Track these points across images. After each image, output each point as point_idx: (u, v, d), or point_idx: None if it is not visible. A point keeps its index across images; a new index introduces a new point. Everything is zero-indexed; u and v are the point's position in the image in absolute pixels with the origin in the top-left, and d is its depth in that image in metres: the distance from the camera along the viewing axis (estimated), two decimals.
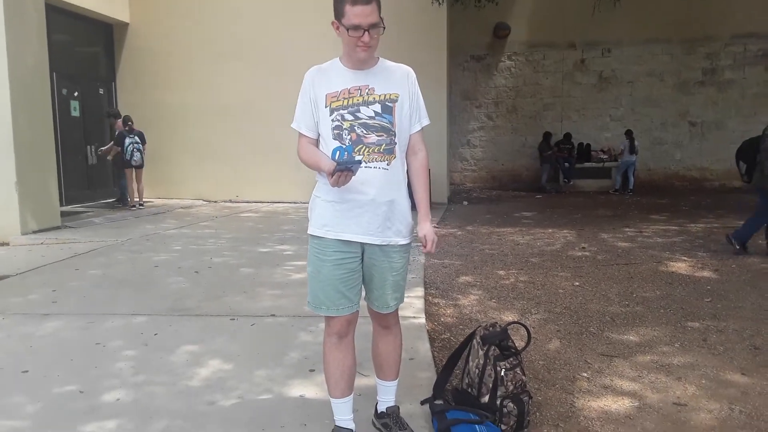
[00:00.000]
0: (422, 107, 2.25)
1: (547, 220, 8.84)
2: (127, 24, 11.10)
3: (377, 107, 2.13)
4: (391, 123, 2.14)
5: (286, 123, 9.74)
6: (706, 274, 5.28)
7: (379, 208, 2.13)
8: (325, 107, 2.13)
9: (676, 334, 3.77)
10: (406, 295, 2.41)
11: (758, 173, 5.84)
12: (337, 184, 1.99)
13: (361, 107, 2.11)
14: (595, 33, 13.23)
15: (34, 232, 7.28)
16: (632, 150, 12.64)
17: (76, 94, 10.25)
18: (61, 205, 8.40)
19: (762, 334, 3.71)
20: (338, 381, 2.26)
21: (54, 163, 7.91)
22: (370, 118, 2.12)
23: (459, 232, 7.69)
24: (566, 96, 13.71)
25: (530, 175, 13.87)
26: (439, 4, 9.77)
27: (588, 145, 13.57)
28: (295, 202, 10.76)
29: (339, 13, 2.06)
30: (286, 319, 3.88)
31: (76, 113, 10.25)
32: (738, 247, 5.96)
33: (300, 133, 2.22)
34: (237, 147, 11.01)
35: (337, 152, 2.10)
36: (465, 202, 11.31)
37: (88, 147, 10.53)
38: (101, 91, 10.98)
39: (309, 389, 2.82)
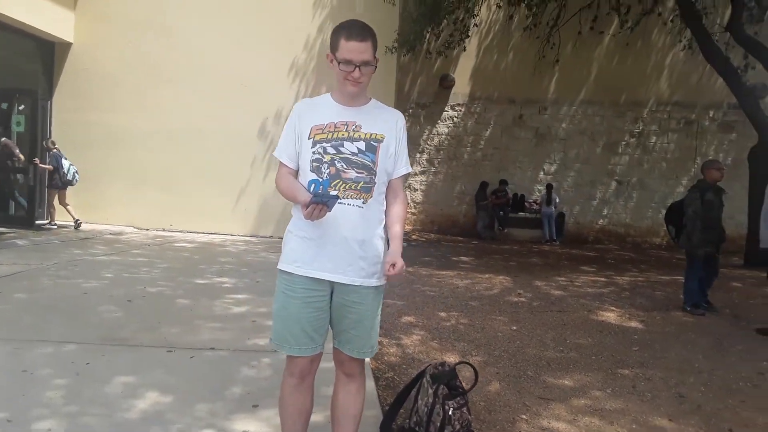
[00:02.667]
0: (406, 154, 2.23)
1: (483, 265, 9.07)
2: (70, 44, 10.80)
3: (361, 144, 2.10)
4: (374, 162, 2.10)
5: (226, 153, 9.77)
6: (633, 324, 5.55)
7: (351, 246, 2.07)
8: (309, 138, 2.11)
9: (608, 380, 3.93)
10: None
11: (684, 236, 6.19)
12: (311, 217, 1.96)
13: (345, 142, 2.09)
14: (533, 91, 13.96)
15: None
16: (549, 202, 13.36)
17: (22, 107, 9.85)
18: None
19: (686, 384, 3.92)
20: (295, 421, 2.21)
21: None
22: (353, 154, 2.09)
23: None
24: (504, 148, 14.29)
25: (467, 221, 14.24)
26: (392, 52, 10.08)
27: (522, 195, 14.14)
28: (232, 235, 10.57)
29: (333, 46, 2.08)
30: (227, 353, 3.78)
31: (20, 128, 9.83)
32: (697, 309, 6.05)
33: (281, 163, 2.19)
34: (173, 174, 10.74)
35: (313, 185, 2.08)
36: (404, 244, 11.42)
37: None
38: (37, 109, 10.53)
39: (253, 425, 2.76)
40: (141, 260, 7.28)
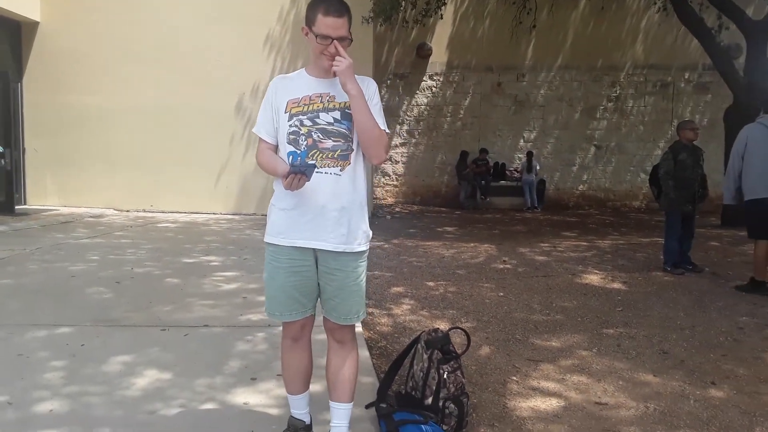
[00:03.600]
0: (381, 115, 2.25)
1: (468, 235, 9.17)
2: (37, 23, 10.49)
3: (336, 114, 2.16)
4: (349, 129, 2.16)
5: (203, 131, 9.68)
6: (616, 285, 5.69)
7: (329, 214, 2.14)
8: (285, 113, 2.17)
9: (593, 340, 4.05)
10: None
11: (663, 196, 6.34)
12: (290, 187, 2.03)
13: (320, 113, 2.15)
14: (510, 58, 13.95)
15: None
16: (530, 170, 13.47)
17: None
18: None
19: (669, 340, 4.06)
20: (293, 379, 2.34)
21: None
22: (329, 124, 2.15)
23: (386, 245, 7.83)
24: (484, 117, 14.32)
25: (449, 191, 14.32)
26: (368, 22, 9.97)
27: (503, 164, 14.23)
28: (214, 213, 10.52)
29: (310, 20, 2.12)
30: (221, 329, 3.82)
31: None
32: (677, 268, 6.19)
33: (260, 139, 2.25)
34: (152, 154, 10.59)
35: (290, 157, 2.14)
36: (388, 217, 11.50)
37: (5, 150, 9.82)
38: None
39: (253, 397, 2.81)
40: (125, 242, 7.24)
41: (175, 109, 10.50)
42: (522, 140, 14.47)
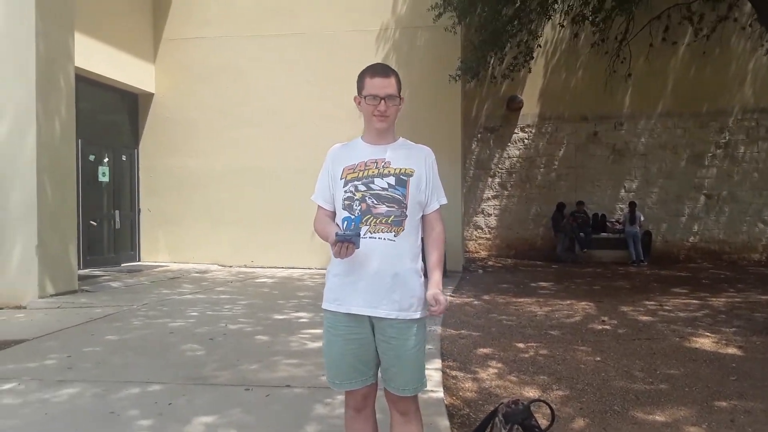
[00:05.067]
0: (440, 187, 2.28)
1: (564, 291, 8.75)
2: (152, 94, 11.55)
3: (391, 180, 2.16)
4: (404, 195, 2.16)
5: (300, 190, 10.03)
6: (730, 351, 5.15)
7: (383, 280, 2.11)
8: (341, 179, 2.19)
9: (703, 413, 3.65)
10: None
11: None
12: (339, 255, 2.03)
13: (375, 179, 2.16)
14: (606, 107, 13.50)
15: (51, 295, 7.32)
16: (633, 221, 12.69)
17: (106, 160, 10.58)
18: (80, 268, 8.47)
19: None
20: None
21: (74, 228, 8.06)
22: (383, 189, 2.15)
23: (475, 302, 7.62)
24: (580, 167, 13.85)
25: (545, 244, 13.83)
26: (456, 80, 10.09)
27: (603, 215, 13.59)
28: (309, 268, 10.78)
29: (360, 88, 2.21)
30: (302, 390, 3.81)
31: (105, 179, 10.55)
32: None
33: (318, 206, 2.30)
34: (253, 212, 11.17)
35: (345, 222, 2.15)
36: (480, 271, 11.25)
37: (116, 211, 10.76)
38: (124, 158, 11.30)
39: None
40: (224, 297, 7.55)
41: (273, 170, 11.07)
42: (623, 190, 13.80)
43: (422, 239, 2.29)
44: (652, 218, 13.54)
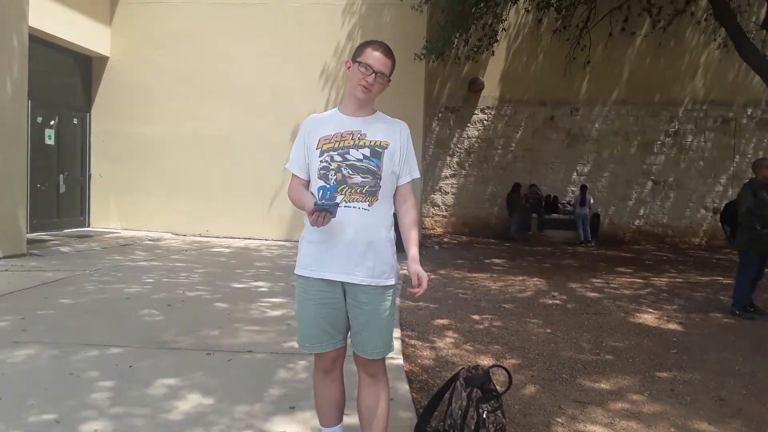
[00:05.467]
0: (413, 161, 2.35)
1: (517, 267, 9.02)
2: (107, 57, 11.13)
3: (366, 151, 2.21)
4: (378, 167, 2.21)
5: (258, 160, 10.05)
6: (671, 326, 5.46)
7: (357, 248, 2.17)
8: (317, 149, 2.23)
9: (645, 383, 3.88)
10: None
11: (740, 235, 6.00)
12: (315, 224, 2.07)
13: (351, 150, 2.21)
14: (564, 93, 13.81)
15: None
16: (583, 203, 13.16)
17: (52, 123, 10.16)
18: (27, 232, 8.20)
19: (726, 386, 3.85)
20: (326, 411, 2.37)
21: (24, 191, 7.78)
22: (358, 160, 2.20)
23: (432, 276, 7.78)
24: (536, 150, 14.17)
25: (499, 223, 14.15)
26: (420, 59, 10.11)
27: (555, 197, 13.99)
28: (266, 239, 10.74)
29: (357, 54, 2.24)
30: (264, 356, 3.86)
31: (50, 141, 10.14)
32: (746, 312, 5.88)
33: (292, 174, 2.33)
34: (209, 182, 10.99)
35: (320, 191, 2.18)
36: (436, 247, 11.45)
37: (60, 175, 10.38)
38: (75, 121, 10.90)
39: (291, 426, 2.81)
40: (180, 265, 7.47)
41: (231, 139, 10.90)
42: (575, 174, 14.21)
43: (395, 212, 2.36)
44: (602, 201, 14.03)
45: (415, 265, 2.21)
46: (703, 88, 13.73)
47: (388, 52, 2.24)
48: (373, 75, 2.19)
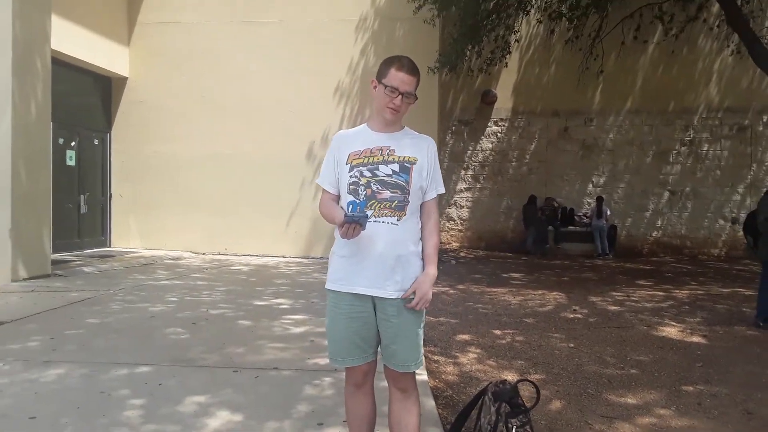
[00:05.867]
0: (439, 176, 2.40)
1: (535, 281, 8.99)
2: (126, 78, 11.35)
3: (395, 167, 2.26)
4: (407, 182, 2.25)
5: (276, 178, 10.14)
6: (695, 339, 5.41)
7: (386, 262, 2.22)
8: (346, 164, 2.28)
9: (672, 397, 3.86)
10: None
11: (762, 245, 5.93)
12: (345, 236, 2.11)
13: (380, 166, 2.25)
14: (577, 103, 13.82)
15: (24, 279, 7.23)
16: (600, 215, 13.09)
17: (73, 144, 10.35)
18: (51, 253, 8.33)
19: (753, 399, 3.82)
20: (357, 425, 2.40)
21: (49, 212, 7.93)
22: (388, 176, 2.25)
23: (451, 291, 7.79)
24: (550, 161, 14.15)
25: (515, 236, 14.11)
26: (434, 72, 10.20)
27: (571, 209, 13.93)
28: (284, 257, 10.81)
29: (382, 74, 2.26)
30: (290, 373, 3.89)
31: (71, 162, 10.33)
32: None
33: (323, 189, 2.38)
34: (228, 200, 11.11)
35: (350, 206, 2.23)
36: (453, 261, 11.45)
37: (81, 196, 10.55)
38: (96, 142, 11.10)
39: None
40: (201, 284, 7.54)
41: (248, 157, 11.03)
42: (591, 185, 14.16)
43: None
44: (618, 213, 13.94)
45: (422, 283, 2.26)
46: (717, 95, 13.66)
47: (412, 69, 2.25)
48: (400, 97, 2.23)
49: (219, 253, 11.05)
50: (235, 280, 8.05)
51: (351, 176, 2.26)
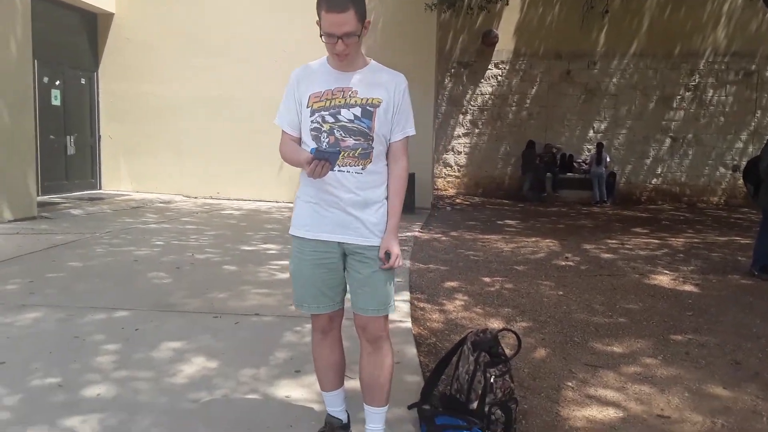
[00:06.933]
0: (409, 117, 2.18)
1: (530, 228, 8.90)
2: (112, 14, 10.92)
3: (357, 111, 2.08)
4: (369, 128, 2.07)
5: (268, 121, 9.77)
6: (687, 288, 5.34)
7: (351, 209, 2.10)
8: (307, 107, 2.10)
9: (659, 346, 3.80)
10: None
11: (762, 193, 5.76)
12: (313, 174, 1.96)
13: (341, 109, 2.07)
14: (581, 45, 13.39)
15: (9, 221, 7.12)
16: (599, 162, 12.89)
17: (57, 83, 10.04)
18: (38, 195, 8.20)
19: (743, 350, 3.76)
20: (325, 374, 2.33)
21: (33, 153, 7.75)
22: (350, 121, 2.07)
23: (443, 238, 7.70)
24: (551, 106, 13.84)
25: (513, 183, 13.97)
26: (432, 9, 9.79)
27: (570, 156, 13.72)
28: (277, 201, 10.68)
29: (318, 16, 2.01)
30: (271, 319, 3.83)
31: (57, 102, 10.05)
32: (766, 273, 5.69)
33: (283, 131, 2.21)
34: (219, 143, 10.87)
35: (313, 152, 2.06)
36: (448, 208, 11.34)
37: (68, 137, 10.32)
38: (83, 81, 10.78)
39: (295, 390, 2.78)
40: (190, 227, 7.45)
41: (240, 99, 10.70)
42: (592, 131, 13.90)
43: None
44: (618, 160, 13.75)
45: (389, 240, 2.11)
46: (725, 39, 13.22)
47: (341, 4, 1.91)
48: (340, 41, 1.97)
49: (211, 198, 10.92)
50: (224, 224, 7.95)
51: (312, 121, 2.09)
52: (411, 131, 2.19)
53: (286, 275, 5.01)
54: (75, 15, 10.44)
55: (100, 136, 11.16)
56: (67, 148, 10.30)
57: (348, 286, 2.21)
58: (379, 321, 2.18)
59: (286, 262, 5.47)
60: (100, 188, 11.16)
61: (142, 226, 7.42)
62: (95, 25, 10.97)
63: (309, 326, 3.61)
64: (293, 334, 3.53)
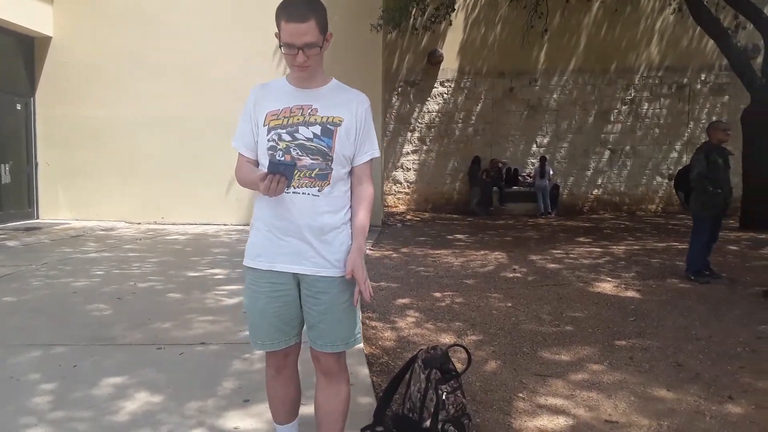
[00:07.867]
0: (373, 139, 2.10)
1: (479, 242, 9.02)
2: (50, 38, 10.57)
3: (317, 129, 1.98)
4: (329, 147, 1.97)
5: (214, 143, 9.62)
6: (629, 294, 5.51)
7: (307, 237, 1.98)
8: (264, 125, 2.00)
9: (605, 352, 3.89)
10: None
11: (693, 200, 6.05)
12: (268, 191, 1.85)
13: (300, 127, 1.97)
14: (523, 63, 13.80)
15: None
16: (543, 175, 13.28)
17: None
18: None
19: (683, 352, 3.89)
20: (278, 409, 2.25)
21: None
22: (308, 139, 1.97)
23: (394, 255, 7.71)
24: (495, 122, 14.16)
25: (461, 198, 14.17)
26: (378, 30, 9.89)
27: (516, 170, 14.05)
28: (225, 224, 10.48)
29: (277, 27, 1.93)
30: (218, 347, 3.72)
31: None
32: (701, 277, 5.95)
33: (239, 153, 2.11)
34: (163, 166, 10.59)
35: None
36: (399, 225, 11.39)
37: (2, 165, 9.88)
38: (18, 107, 10.37)
39: (244, 420, 2.70)
40: (132, 255, 7.21)
41: (185, 120, 10.49)
42: (535, 145, 14.28)
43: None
44: (561, 172, 14.16)
45: (353, 261, 1.97)
46: (658, 54, 13.89)
47: (301, 15, 1.85)
48: (300, 53, 1.89)
49: (155, 223, 10.61)
50: (169, 250, 7.73)
51: (269, 140, 1.99)
52: (376, 153, 2.11)
53: (234, 301, 4.90)
54: (11, 39, 10.06)
55: (37, 163, 10.73)
56: (2, 177, 9.85)
57: (305, 320, 2.09)
58: (333, 356, 2.08)
59: (234, 287, 5.39)
60: (37, 217, 10.70)
61: (81, 255, 7.14)
62: (32, 49, 10.59)
63: (258, 353, 3.55)
64: (241, 362, 3.44)
